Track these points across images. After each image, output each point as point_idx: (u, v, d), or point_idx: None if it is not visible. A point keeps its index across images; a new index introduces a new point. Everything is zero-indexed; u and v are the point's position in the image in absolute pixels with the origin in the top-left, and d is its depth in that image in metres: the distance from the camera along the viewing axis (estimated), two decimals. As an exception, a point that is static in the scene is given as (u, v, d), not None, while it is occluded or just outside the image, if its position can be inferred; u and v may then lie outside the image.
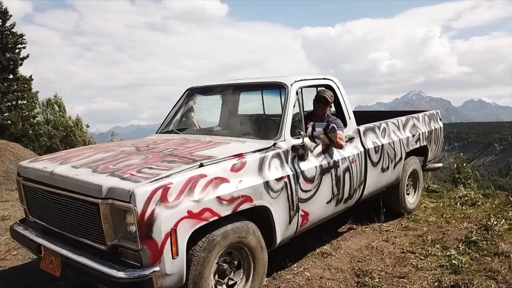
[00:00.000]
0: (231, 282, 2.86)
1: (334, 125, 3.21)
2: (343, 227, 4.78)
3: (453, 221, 4.78)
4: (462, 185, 6.41)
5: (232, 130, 3.97)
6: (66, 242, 2.74)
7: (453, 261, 3.58)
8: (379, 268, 3.67)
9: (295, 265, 3.79)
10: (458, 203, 5.39)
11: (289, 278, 3.55)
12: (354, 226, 4.77)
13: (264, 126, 3.72)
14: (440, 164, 5.80)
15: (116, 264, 2.40)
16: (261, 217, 3.00)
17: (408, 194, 5.09)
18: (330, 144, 3.41)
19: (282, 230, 3.14)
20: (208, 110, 4.73)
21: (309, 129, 3.24)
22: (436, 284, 3.28)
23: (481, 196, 5.60)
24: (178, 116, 4.27)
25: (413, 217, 4.97)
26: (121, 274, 2.28)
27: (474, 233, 4.24)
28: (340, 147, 3.61)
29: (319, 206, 3.50)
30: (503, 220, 4.48)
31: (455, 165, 6.84)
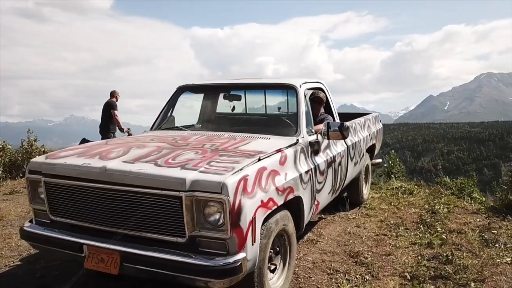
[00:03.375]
0: (272, 267, 3.10)
1: (347, 123, 3.65)
2: (313, 217, 5.27)
3: (402, 208, 5.62)
4: (394, 177, 7.47)
5: (246, 127, 4.11)
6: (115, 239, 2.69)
7: (425, 239, 4.31)
8: (366, 249, 4.22)
9: (294, 252, 4.15)
10: (399, 193, 6.32)
11: (297, 263, 3.89)
12: (323, 216, 5.30)
13: (279, 124, 3.97)
14: (380, 160, 6.69)
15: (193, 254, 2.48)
16: (291, 206, 3.29)
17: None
18: (338, 139, 3.82)
19: (306, 218, 3.48)
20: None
21: (324, 127, 3.63)
22: (419, 257, 3.94)
23: (416, 186, 6.64)
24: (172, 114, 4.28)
25: (368, 205, 5.70)
26: (213, 263, 2.38)
27: (425, 216, 5.10)
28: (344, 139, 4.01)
29: (325, 196, 3.92)
30: (442, 205, 5.45)
31: (389, 161, 7.91)
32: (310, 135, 3.69)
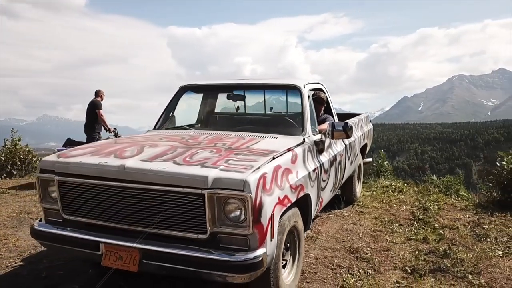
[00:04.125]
0: (283, 263, 3.18)
1: (351, 123, 3.77)
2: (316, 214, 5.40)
3: (394, 205, 5.81)
4: (383, 176, 7.68)
5: (252, 127, 4.16)
6: (131, 236, 2.72)
7: (420, 235, 4.49)
8: (364, 245, 4.35)
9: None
10: (390, 191, 6.52)
11: (300, 259, 3.99)
12: (319, 213, 5.42)
13: (285, 124, 4.04)
14: (370, 159, 6.88)
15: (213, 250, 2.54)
16: (300, 204, 3.38)
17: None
18: (342, 138, 3.94)
19: (313, 215, 3.58)
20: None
21: (329, 127, 3.74)
22: (416, 252, 4.11)
23: (405, 185, 6.86)
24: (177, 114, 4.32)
25: (361, 203, 5.87)
26: (235, 258, 2.45)
27: (417, 213, 5.30)
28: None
29: (327, 194, 4.04)
30: (432, 203, 5.66)
31: (378, 160, 8.13)
32: (314, 135, 3.79)
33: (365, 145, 6.16)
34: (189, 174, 2.54)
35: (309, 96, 3.97)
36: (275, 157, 2.91)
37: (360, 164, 5.98)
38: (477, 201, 5.82)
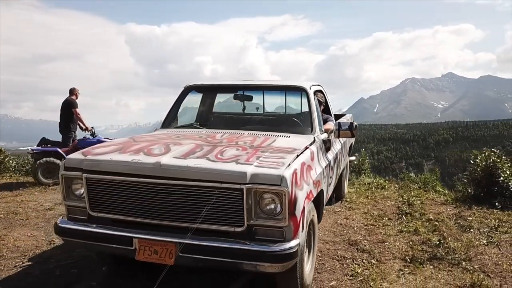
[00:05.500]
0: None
1: (355, 123, 4.02)
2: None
3: (380, 201, 6.16)
4: (364, 174, 8.06)
5: (261, 126, 4.29)
6: (161, 231, 2.81)
7: (410, 227, 4.83)
8: (361, 238, 4.63)
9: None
10: (373, 188, 6.88)
11: (306, 252, 4.20)
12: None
13: (294, 123, 4.22)
14: (354, 157, 7.21)
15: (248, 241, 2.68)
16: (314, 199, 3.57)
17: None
18: (347, 137, 4.18)
19: (324, 210, 3.80)
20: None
21: (336, 127, 3.97)
22: (410, 242, 4.43)
23: (386, 182, 7.26)
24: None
25: (349, 199, 6.17)
26: (273, 248, 2.60)
27: (403, 207, 5.66)
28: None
29: (330, 190, 4.28)
30: (414, 198, 6.06)
31: (359, 159, 8.50)
32: (321, 134, 4.01)
33: (352, 143, 6.48)
34: (228, 170, 2.66)
35: (314, 97, 4.19)
36: (298, 154, 3.09)
37: (347, 162, 6.29)
38: (453, 196, 6.29)
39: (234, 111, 5.05)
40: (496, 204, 5.61)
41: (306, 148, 3.38)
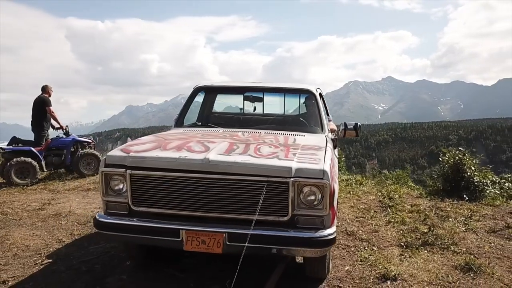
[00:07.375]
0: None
1: (359, 123, 4.41)
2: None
3: (362, 195, 6.65)
4: (340, 171, 8.55)
5: (275, 126, 4.53)
6: (206, 222, 3.02)
7: (397, 218, 5.33)
8: (356, 229, 5.05)
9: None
10: (352, 184, 7.38)
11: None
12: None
13: (305, 123, 4.52)
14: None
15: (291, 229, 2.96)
16: None
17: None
18: (351, 136, 4.57)
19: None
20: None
21: (342, 127, 4.35)
22: (400, 231, 4.91)
23: (364, 178, 7.79)
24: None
25: (334, 195, 6.60)
26: (317, 235, 2.89)
27: (384, 201, 6.18)
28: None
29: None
30: (392, 192, 6.62)
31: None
32: (329, 133, 4.36)
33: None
34: (275, 165, 2.92)
35: (321, 99, 4.54)
36: (325, 151, 3.41)
37: (331, 159, 6.72)
38: (425, 190, 6.94)
39: (233, 111, 5.28)
40: (464, 196, 6.29)
41: (326, 146, 3.71)
